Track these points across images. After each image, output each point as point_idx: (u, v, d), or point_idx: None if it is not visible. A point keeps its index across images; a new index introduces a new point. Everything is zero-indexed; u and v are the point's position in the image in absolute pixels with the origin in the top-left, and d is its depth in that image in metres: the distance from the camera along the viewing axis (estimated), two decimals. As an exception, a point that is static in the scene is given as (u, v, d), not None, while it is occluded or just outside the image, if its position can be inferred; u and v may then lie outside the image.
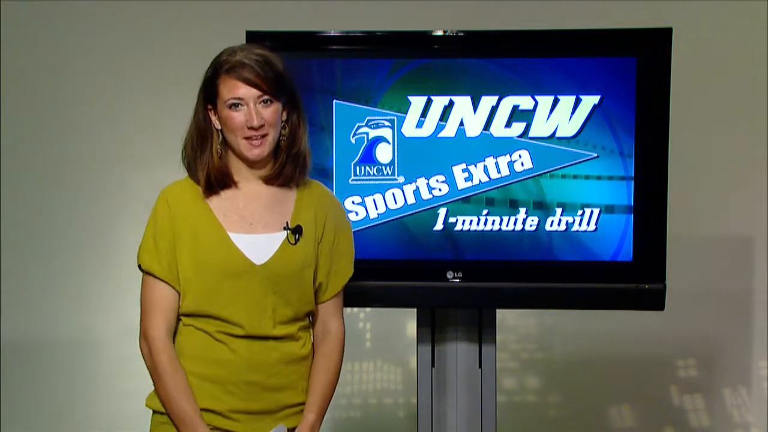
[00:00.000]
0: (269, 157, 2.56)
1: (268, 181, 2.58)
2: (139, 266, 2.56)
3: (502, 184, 3.09)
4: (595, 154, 3.06)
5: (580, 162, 3.07)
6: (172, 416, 2.49)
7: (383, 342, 4.44)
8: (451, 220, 3.11)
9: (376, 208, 3.10)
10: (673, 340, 4.33)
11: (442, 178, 3.09)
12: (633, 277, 3.08)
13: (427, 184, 3.08)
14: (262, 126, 2.49)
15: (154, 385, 2.52)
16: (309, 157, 2.61)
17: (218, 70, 2.50)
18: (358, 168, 3.09)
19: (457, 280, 3.12)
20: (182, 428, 2.48)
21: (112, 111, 4.43)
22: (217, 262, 2.50)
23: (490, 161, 3.09)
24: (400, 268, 3.11)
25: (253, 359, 2.51)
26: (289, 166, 2.57)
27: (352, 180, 3.09)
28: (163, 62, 4.39)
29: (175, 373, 2.48)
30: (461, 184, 3.09)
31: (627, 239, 3.09)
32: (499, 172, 3.08)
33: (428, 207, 3.10)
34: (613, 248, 3.09)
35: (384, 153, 3.09)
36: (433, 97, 3.07)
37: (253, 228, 2.56)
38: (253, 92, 2.47)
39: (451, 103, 3.07)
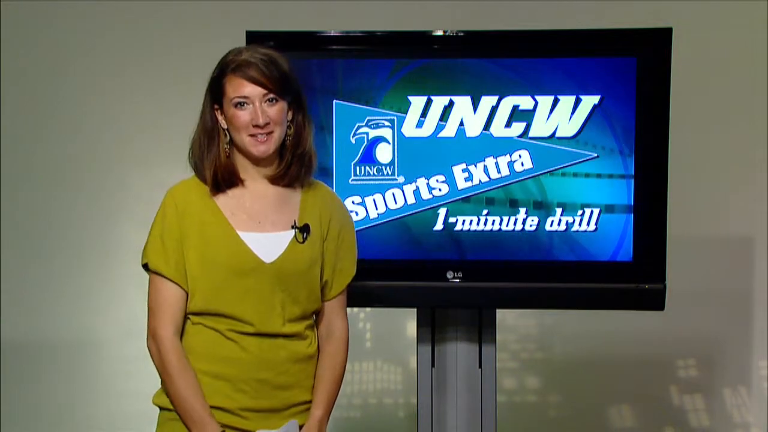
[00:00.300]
0: (275, 157, 2.58)
1: (273, 180, 2.59)
2: (145, 266, 2.55)
3: (502, 184, 3.08)
4: (595, 154, 3.05)
5: (580, 162, 3.06)
6: (182, 415, 2.49)
7: (383, 342, 4.42)
8: (451, 220, 3.10)
9: (376, 208, 3.09)
10: (673, 340, 4.32)
11: (442, 178, 3.08)
12: (633, 277, 3.07)
13: (427, 184, 3.07)
14: (267, 124, 2.50)
15: (164, 384, 2.52)
16: (314, 158, 2.62)
17: (224, 69, 2.51)
18: (358, 168, 3.07)
19: (457, 280, 3.11)
20: (192, 427, 2.48)
21: (112, 111, 4.42)
22: (226, 260, 2.51)
23: (490, 161, 3.08)
24: (400, 268, 3.10)
25: (263, 357, 2.52)
26: (294, 166, 2.58)
27: (352, 180, 3.08)
28: (163, 62, 4.38)
29: (185, 373, 2.48)
30: (461, 184, 3.08)
31: (627, 239, 3.07)
32: (499, 172, 3.07)
33: (428, 207, 3.09)
34: (613, 248, 3.08)
35: (384, 153, 3.08)
36: (433, 97, 3.06)
37: (261, 226, 2.56)
38: (259, 91, 2.49)
39: (451, 103, 3.06)
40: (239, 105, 2.50)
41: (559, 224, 3.09)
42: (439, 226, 3.12)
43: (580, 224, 3.08)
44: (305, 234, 2.58)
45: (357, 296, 2.89)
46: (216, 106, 2.54)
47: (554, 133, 3.06)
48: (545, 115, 3.05)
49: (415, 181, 3.08)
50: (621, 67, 3.01)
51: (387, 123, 3.06)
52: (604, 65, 3.02)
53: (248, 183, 2.59)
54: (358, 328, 4.41)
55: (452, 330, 3.24)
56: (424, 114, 3.07)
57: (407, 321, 4.32)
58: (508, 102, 3.06)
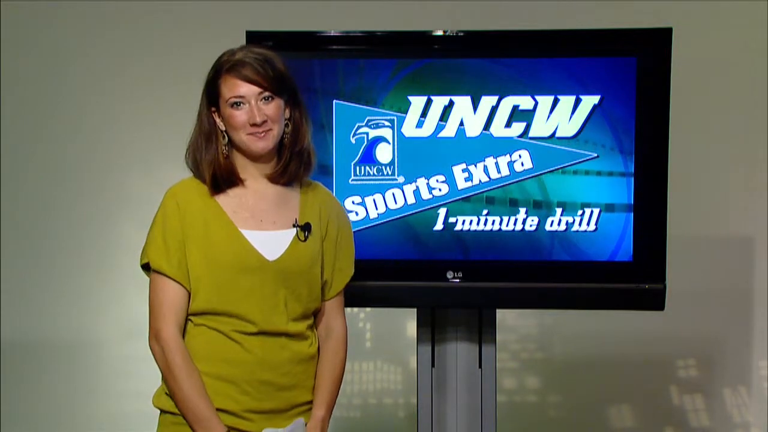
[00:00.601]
0: (273, 155, 2.57)
1: (273, 179, 2.59)
2: (144, 266, 2.54)
3: (502, 184, 3.07)
4: (595, 154, 3.04)
5: (580, 162, 3.05)
6: (188, 417, 2.47)
7: (383, 342, 4.40)
8: (451, 220, 3.08)
9: (376, 208, 3.08)
10: (673, 340, 4.31)
11: (442, 178, 3.06)
12: (633, 277, 3.05)
13: (427, 184, 3.05)
14: (265, 122, 2.50)
15: (169, 385, 2.49)
16: (313, 155, 2.62)
17: (219, 70, 2.51)
18: (358, 168, 3.05)
19: (457, 280, 3.09)
20: (198, 428, 2.47)
21: (112, 111, 4.40)
22: (230, 259, 2.50)
23: (490, 161, 3.06)
24: (400, 268, 3.08)
25: (266, 358, 2.51)
26: (293, 164, 2.58)
27: (352, 180, 3.07)
28: (163, 62, 4.37)
29: (190, 373, 2.46)
30: (461, 184, 3.07)
31: (627, 239, 3.06)
32: (499, 172, 3.06)
33: (428, 207, 3.08)
34: (612, 248, 3.07)
35: (384, 153, 3.06)
36: (433, 97, 3.05)
37: (263, 225, 2.56)
38: (254, 89, 2.49)
39: (451, 103, 3.05)
40: (235, 105, 2.50)
41: (559, 224, 3.08)
42: (439, 226, 3.10)
43: (580, 224, 3.07)
44: (307, 232, 2.58)
45: (357, 296, 2.88)
46: (213, 109, 2.54)
47: (554, 133, 3.05)
48: (545, 115, 3.04)
49: (415, 181, 3.06)
50: (621, 67, 3.00)
51: (387, 123, 3.04)
52: (604, 65, 3.01)
53: (248, 182, 2.58)
54: (358, 328, 4.39)
55: (452, 330, 3.22)
56: (424, 114, 3.06)
57: (407, 321, 4.31)
58: (508, 102, 3.05)
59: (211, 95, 2.53)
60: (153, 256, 2.50)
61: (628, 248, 3.06)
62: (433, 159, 3.05)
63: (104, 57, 4.41)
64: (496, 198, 3.06)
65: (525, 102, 3.05)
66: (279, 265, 2.53)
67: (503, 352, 4.32)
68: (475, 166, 3.06)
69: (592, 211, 3.06)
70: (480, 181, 3.07)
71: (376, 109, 3.06)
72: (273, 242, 2.54)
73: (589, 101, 3.03)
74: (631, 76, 3.00)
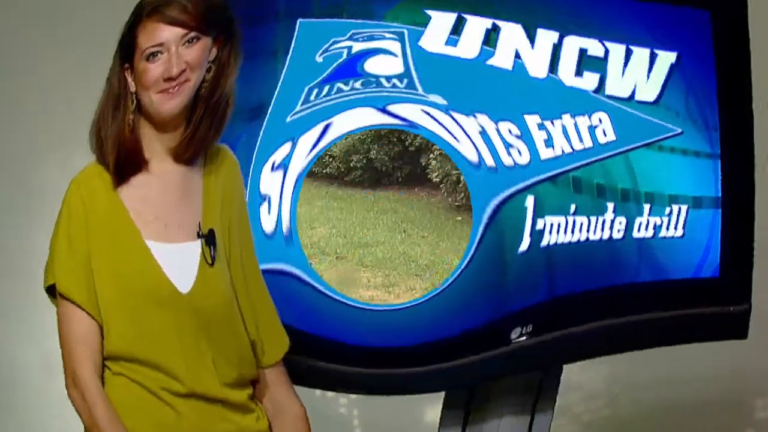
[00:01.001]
0: (182, 120, 2.28)
1: (177, 154, 2.28)
2: (49, 288, 2.26)
3: (586, 161, 2.62)
4: (680, 130, 2.68)
5: (664, 138, 2.68)
6: None
7: (380, 422, 4.08)
8: (539, 225, 2.58)
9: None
10: (750, 374, 4.05)
11: (515, 129, 2.52)
12: (718, 298, 2.69)
13: (497, 129, 2.52)
14: (183, 71, 2.24)
15: None
16: (232, 101, 2.30)
17: (139, 15, 2.28)
18: (315, 90, 2.55)
19: (524, 337, 2.53)
20: None
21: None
22: (138, 284, 2.23)
23: (568, 121, 2.61)
24: (444, 348, 2.49)
25: (206, 428, 2.26)
26: (203, 125, 2.26)
27: (297, 110, 2.52)
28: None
29: (117, 425, 2.21)
30: (543, 151, 2.55)
31: (714, 247, 2.70)
32: (581, 141, 2.61)
33: (514, 190, 2.51)
34: (699, 260, 2.72)
35: (386, 65, 2.57)
36: (466, 16, 2.59)
37: (169, 233, 2.28)
38: (177, 32, 2.25)
39: (496, 27, 2.60)
40: (152, 56, 2.26)
41: (646, 228, 2.67)
42: (525, 243, 2.55)
43: (668, 228, 2.68)
44: (212, 249, 2.27)
45: (357, 382, 2.49)
46: (126, 66, 2.30)
47: (633, 94, 2.67)
48: (620, 69, 2.66)
49: (474, 115, 2.51)
50: (696, 19, 2.75)
51: (391, 35, 2.59)
52: (677, 15, 2.73)
53: (153, 165, 2.29)
54: (344, 403, 4.07)
55: (495, 402, 2.68)
56: (456, 32, 2.59)
57: (425, 405, 3.82)
58: (573, 42, 2.64)
59: (127, 48, 2.28)
60: (60, 276, 2.22)
61: (714, 259, 2.71)
62: (490, 90, 2.59)
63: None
64: (583, 181, 2.62)
65: (593, 47, 2.66)
66: (193, 300, 2.24)
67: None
68: (552, 123, 2.60)
69: (680, 209, 2.70)
70: (563, 150, 2.59)
71: (371, 22, 2.61)
72: (180, 263, 2.25)
73: (666, 58, 2.69)
74: (707, 32, 2.74)
